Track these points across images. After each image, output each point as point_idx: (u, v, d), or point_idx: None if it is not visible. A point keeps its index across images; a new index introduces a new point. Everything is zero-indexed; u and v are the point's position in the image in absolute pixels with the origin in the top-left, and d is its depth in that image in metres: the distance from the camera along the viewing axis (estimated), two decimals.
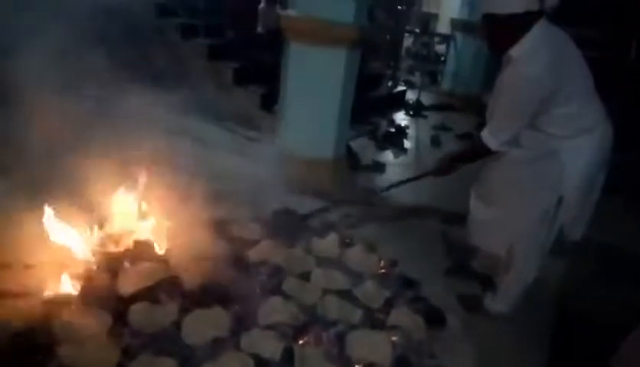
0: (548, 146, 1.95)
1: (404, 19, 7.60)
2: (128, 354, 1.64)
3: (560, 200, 1.98)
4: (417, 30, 8.16)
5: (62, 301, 1.82)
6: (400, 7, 7.17)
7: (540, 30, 1.82)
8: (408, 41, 8.74)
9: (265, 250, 2.34)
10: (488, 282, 2.33)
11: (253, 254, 2.30)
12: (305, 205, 2.99)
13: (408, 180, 2.70)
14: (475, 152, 2.14)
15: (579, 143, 1.91)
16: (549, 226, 2.02)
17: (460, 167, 2.31)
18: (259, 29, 5.24)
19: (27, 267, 1.94)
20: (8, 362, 1.55)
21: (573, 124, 1.91)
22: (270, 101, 4.47)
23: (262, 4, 5.18)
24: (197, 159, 3.55)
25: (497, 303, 2.21)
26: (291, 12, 3.19)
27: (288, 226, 2.60)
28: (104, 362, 1.58)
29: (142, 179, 2.46)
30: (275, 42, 4.06)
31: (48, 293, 1.86)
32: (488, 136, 1.99)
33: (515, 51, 1.84)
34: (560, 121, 1.90)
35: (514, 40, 1.83)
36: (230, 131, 4.39)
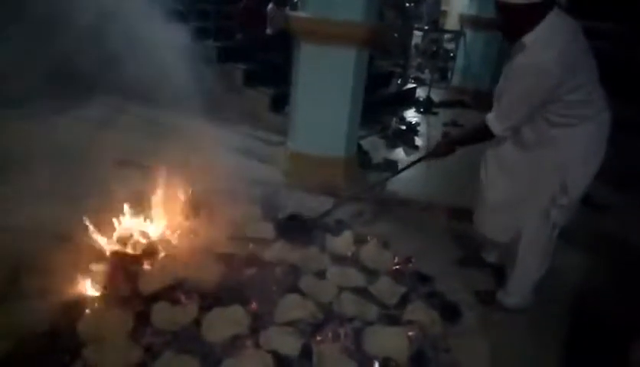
0: (549, 133, 1.98)
1: (412, 16, 7.58)
2: (150, 353, 1.68)
3: (564, 188, 1.99)
4: (426, 28, 8.13)
5: (85, 303, 1.87)
6: (407, 4, 7.16)
7: (553, 20, 1.85)
8: (417, 38, 8.72)
9: (280, 250, 2.38)
10: (501, 275, 2.34)
11: (269, 254, 2.34)
12: (317, 204, 3.02)
13: (410, 165, 2.70)
14: (477, 135, 2.17)
15: (579, 131, 1.94)
16: (555, 214, 2.03)
17: (457, 149, 2.32)
18: (268, 30, 5.28)
19: (52, 269, 2.00)
20: (34, 363, 1.60)
21: (577, 112, 1.93)
22: (280, 102, 4.51)
23: (270, 6, 5.22)
24: (209, 161, 3.61)
25: (510, 296, 2.23)
26: (301, 13, 3.22)
27: (300, 230, 2.63)
28: (127, 362, 1.63)
29: (159, 182, 2.51)
30: (284, 43, 4.10)
31: (71, 295, 1.90)
32: (493, 120, 2.02)
33: (528, 39, 1.86)
34: (564, 110, 1.92)
35: (528, 28, 1.86)
36: (241, 133, 4.44)
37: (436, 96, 6.48)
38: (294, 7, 4.11)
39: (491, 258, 2.56)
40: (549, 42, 1.81)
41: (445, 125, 5.49)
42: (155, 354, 1.67)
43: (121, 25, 2.79)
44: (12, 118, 3.79)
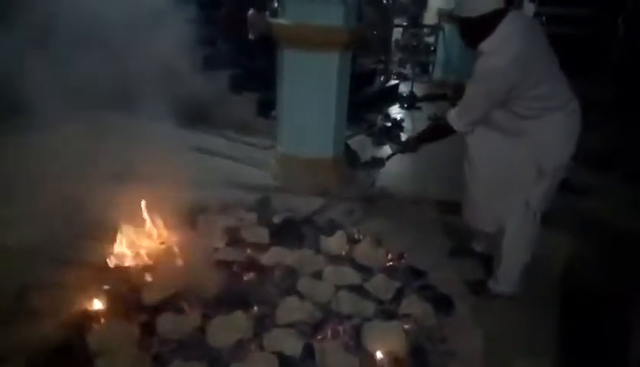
0: (520, 125, 2.12)
1: (391, 13, 7.67)
2: (159, 361, 1.75)
3: (540, 176, 2.13)
4: (405, 23, 8.22)
5: (92, 317, 1.93)
6: (385, 1, 7.25)
7: (507, 26, 2.00)
8: (397, 34, 8.82)
9: (276, 253, 2.45)
10: (490, 264, 2.44)
11: (265, 259, 2.41)
12: (308, 205, 3.10)
13: (386, 159, 2.84)
14: (441, 131, 2.35)
15: (548, 121, 2.07)
16: (535, 202, 2.15)
17: (425, 145, 2.49)
18: (250, 36, 5.32)
19: (59, 285, 2.05)
20: None
21: (541, 104, 2.07)
22: (267, 106, 4.56)
23: (251, 12, 5.27)
24: (200, 168, 3.66)
25: (499, 284, 2.33)
26: (281, 20, 3.29)
27: (294, 231, 2.71)
28: None
29: (153, 193, 2.56)
30: (267, 48, 4.15)
31: (78, 310, 1.96)
32: (454, 117, 2.20)
33: (485, 45, 2.03)
34: (529, 103, 2.07)
35: (484, 36, 2.02)
36: (229, 139, 4.49)
37: (419, 91, 6.59)
38: (274, 13, 4.16)
39: (480, 247, 2.68)
40: (504, 47, 1.97)
41: (429, 119, 5.60)
42: (164, 363, 1.73)
43: (102, 37, 2.83)
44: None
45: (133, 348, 1.79)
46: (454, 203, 3.03)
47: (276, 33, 3.31)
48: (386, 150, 4.56)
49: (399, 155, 2.72)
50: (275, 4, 4.69)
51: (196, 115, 4.49)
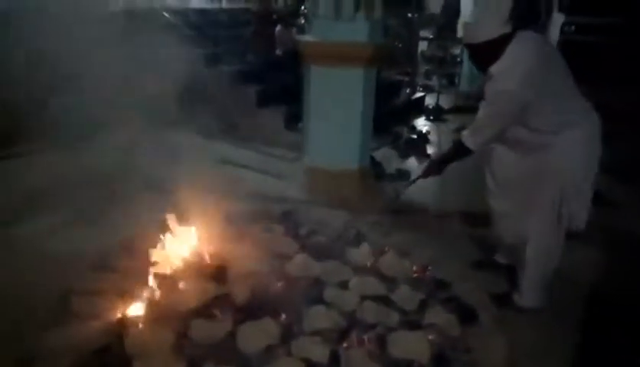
0: (540, 140, 2.16)
1: (416, 25, 7.74)
2: (192, 364, 1.84)
3: (564, 191, 2.15)
4: (431, 36, 8.27)
5: (130, 322, 2.05)
6: (410, 15, 7.33)
7: (515, 48, 2.06)
8: (423, 45, 8.86)
9: (302, 263, 2.53)
10: (514, 277, 2.45)
11: (290, 268, 2.49)
12: (333, 217, 3.17)
13: (408, 184, 2.94)
14: (458, 152, 2.39)
15: (567, 137, 2.10)
16: (558, 216, 2.17)
17: (446, 167, 2.53)
18: (278, 51, 5.49)
19: (100, 291, 2.19)
20: None
21: (558, 119, 2.10)
22: (293, 120, 4.69)
23: (278, 28, 5.44)
24: (229, 181, 3.79)
25: (523, 296, 2.34)
26: (308, 37, 3.40)
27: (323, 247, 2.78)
28: None
29: (185, 204, 2.68)
30: (293, 62, 4.29)
31: (118, 315, 2.08)
32: (467, 137, 2.27)
33: (494, 69, 2.09)
34: (545, 119, 2.11)
35: (493, 59, 2.09)
36: (257, 151, 4.62)
37: (445, 103, 6.60)
38: (301, 30, 4.30)
39: (503, 259, 2.69)
40: (512, 69, 2.03)
41: (456, 130, 5.60)
42: (197, 366, 1.82)
43: (137, 52, 3.00)
44: (38, 150, 4.04)
45: (168, 351, 1.89)
46: (478, 215, 3.06)
47: (303, 49, 3.42)
48: (412, 162, 4.62)
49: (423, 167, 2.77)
50: (303, 21, 4.84)
51: (226, 128, 4.65)
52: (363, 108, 3.46)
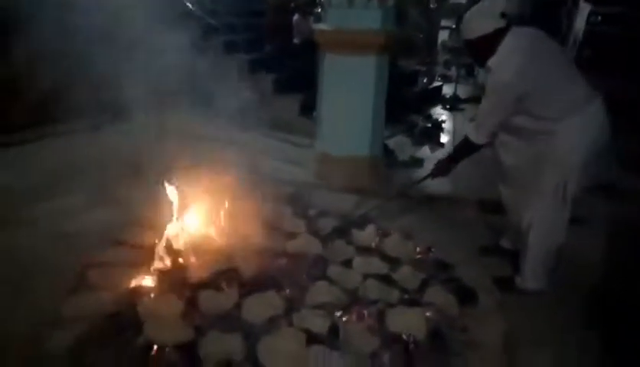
0: (542, 128, 2.20)
1: (436, 15, 7.68)
2: (200, 332, 1.95)
3: (566, 176, 2.19)
4: (453, 26, 8.18)
5: (143, 291, 2.17)
6: (430, 5, 7.28)
7: (509, 42, 2.15)
8: (444, 35, 8.78)
9: (306, 242, 2.62)
10: (517, 261, 2.49)
11: (295, 246, 2.58)
12: (344, 201, 3.24)
13: (417, 183, 3.04)
14: (466, 148, 2.48)
15: (568, 123, 2.14)
16: (562, 199, 2.21)
17: (455, 166, 2.62)
18: (295, 40, 5.55)
19: (115, 264, 2.33)
20: (104, 337, 1.90)
21: (558, 107, 2.15)
22: (309, 107, 4.76)
23: (296, 17, 5.49)
24: (244, 165, 3.88)
25: (526, 280, 2.38)
26: (323, 26, 3.46)
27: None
28: (181, 339, 1.90)
29: (198, 184, 2.79)
30: (310, 51, 4.35)
31: (132, 285, 2.21)
32: (472, 132, 2.37)
33: (491, 62, 2.18)
34: (547, 107, 2.16)
35: (489, 53, 2.18)
36: (273, 137, 4.71)
37: (463, 93, 6.57)
38: (318, 18, 4.35)
39: (508, 244, 2.72)
40: (508, 61, 2.12)
41: (471, 120, 5.58)
42: (204, 332, 1.93)
43: (154, 40, 3.11)
44: (62, 133, 4.22)
45: (178, 318, 2.00)
46: (488, 202, 3.09)
47: (319, 37, 3.48)
48: (425, 151, 4.64)
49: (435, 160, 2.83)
50: (319, 10, 4.89)
51: (241, 115, 4.75)
52: (375, 95, 3.50)
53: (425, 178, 2.83)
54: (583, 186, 2.23)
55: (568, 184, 2.19)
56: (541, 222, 2.27)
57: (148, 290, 2.19)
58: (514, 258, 2.60)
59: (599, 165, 2.27)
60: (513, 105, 2.18)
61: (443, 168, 2.66)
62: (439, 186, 3.71)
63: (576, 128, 2.13)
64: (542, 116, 2.18)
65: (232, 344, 1.87)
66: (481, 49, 2.22)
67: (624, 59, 6.07)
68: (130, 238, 2.59)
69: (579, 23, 7.54)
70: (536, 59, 2.12)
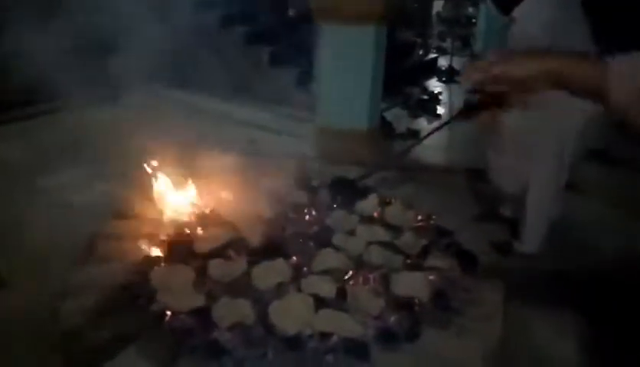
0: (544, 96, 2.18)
1: None
2: (211, 298, 2.01)
3: (563, 142, 2.27)
4: None
5: (154, 262, 2.23)
6: None
7: None
8: (438, 6, 8.70)
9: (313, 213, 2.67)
10: (516, 227, 2.57)
11: (299, 217, 2.63)
12: (343, 173, 3.28)
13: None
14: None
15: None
16: (560, 165, 2.25)
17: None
18: (290, 12, 5.49)
19: (123, 236, 2.37)
20: (118, 306, 1.97)
21: None
22: (305, 80, 4.75)
23: None
24: (243, 138, 3.91)
25: (524, 243, 2.46)
26: None
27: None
28: (193, 304, 1.96)
29: (200, 158, 2.82)
30: (305, 23, 4.32)
31: (142, 255, 2.27)
32: None
33: (517, 12, 2.16)
34: None
35: (515, 2, 2.15)
36: (270, 111, 4.72)
37: (459, 64, 6.56)
38: None
39: (508, 212, 2.80)
40: (533, 14, 2.10)
41: (467, 91, 5.60)
42: (215, 298, 2.00)
43: (148, 12, 3.09)
44: (64, 108, 4.20)
45: (189, 286, 2.06)
46: (483, 171, 3.15)
47: (314, 7, 3.46)
48: (422, 122, 4.69)
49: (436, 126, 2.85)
50: None
51: (238, 89, 4.74)
52: (373, 67, 3.52)
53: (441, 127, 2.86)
54: (580, 151, 2.29)
55: (565, 150, 2.25)
56: (539, 187, 2.34)
57: (159, 260, 2.25)
58: (513, 224, 2.68)
59: (595, 130, 2.32)
60: None
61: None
62: (433, 156, 3.79)
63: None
64: None
65: (243, 308, 1.93)
66: None
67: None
68: (138, 210, 2.62)
69: None
70: (562, 15, 2.10)
